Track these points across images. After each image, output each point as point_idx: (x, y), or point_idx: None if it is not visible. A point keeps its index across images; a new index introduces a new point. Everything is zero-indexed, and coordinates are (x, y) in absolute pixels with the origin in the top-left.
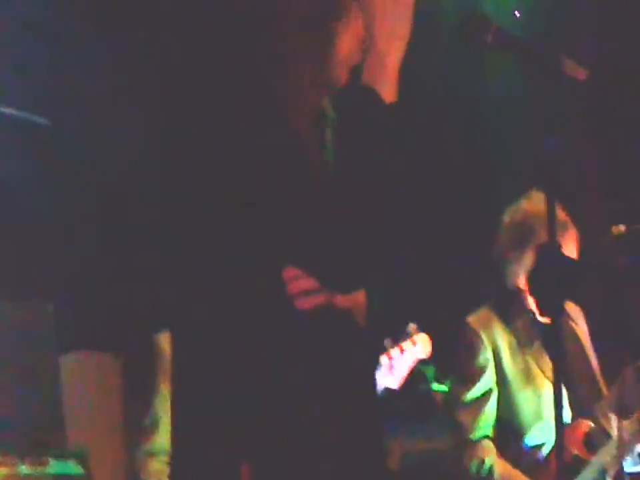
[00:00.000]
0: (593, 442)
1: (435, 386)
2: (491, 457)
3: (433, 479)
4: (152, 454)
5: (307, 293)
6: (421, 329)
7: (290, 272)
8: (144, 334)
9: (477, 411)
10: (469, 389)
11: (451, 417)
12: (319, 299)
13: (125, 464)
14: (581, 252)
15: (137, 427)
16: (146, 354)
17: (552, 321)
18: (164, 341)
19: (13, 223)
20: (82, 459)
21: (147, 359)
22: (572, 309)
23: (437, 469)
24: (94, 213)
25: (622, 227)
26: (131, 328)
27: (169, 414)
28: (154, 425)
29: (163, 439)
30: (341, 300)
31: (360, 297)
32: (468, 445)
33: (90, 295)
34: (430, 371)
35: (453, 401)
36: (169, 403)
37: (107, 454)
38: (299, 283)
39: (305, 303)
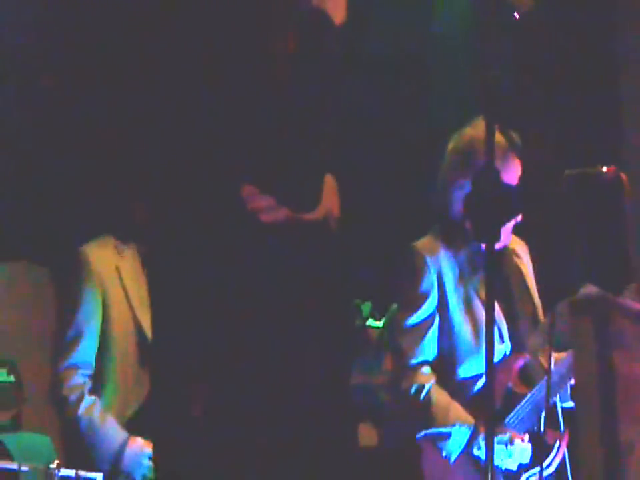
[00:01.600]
0: (529, 376)
1: (371, 322)
2: (430, 383)
3: (366, 413)
4: (73, 367)
5: (267, 209)
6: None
7: (247, 189)
8: (72, 246)
9: (418, 336)
10: (411, 313)
11: (393, 341)
12: (280, 214)
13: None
14: (522, 182)
15: (61, 340)
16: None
17: (487, 246)
18: (88, 252)
19: None
20: (12, 368)
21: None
22: (517, 244)
23: (371, 403)
24: (22, 122)
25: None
26: (60, 240)
27: (90, 327)
28: (76, 338)
29: (85, 351)
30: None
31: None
32: (408, 370)
33: (17, 204)
34: (366, 307)
35: (395, 325)
36: (90, 318)
37: (35, 366)
38: (258, 200)
39: (267, 217)
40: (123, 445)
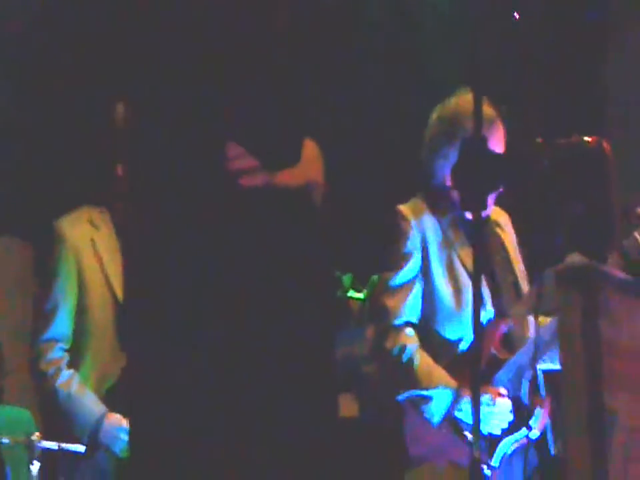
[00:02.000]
0: (511, 342)
1: (352, 294)
2: (412, 344)
3: (347, 384)
4: (51, 340)
5: (247, 171)
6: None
7: (233, 149)
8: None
9: (402, 296)
10: (396, 273)
11: (377, 301)
12: (259, 179)
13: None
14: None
15: (39, 314)
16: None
17: (474, 215)
18: (63, 226)
19: None
20: None
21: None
22: (498, 214)
23: (353, 374)
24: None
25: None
26: (38, 216)
27: (67, 300)
28: (53, 311)
29: (62, 325)
30: (283, 179)
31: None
32: (391, 330)
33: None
34: (347, 279)
35: (379, 285)
36: (67, 292)
37: (16, 340)
38: (240, 161)
39: (245, 181)
40: (101, 419)
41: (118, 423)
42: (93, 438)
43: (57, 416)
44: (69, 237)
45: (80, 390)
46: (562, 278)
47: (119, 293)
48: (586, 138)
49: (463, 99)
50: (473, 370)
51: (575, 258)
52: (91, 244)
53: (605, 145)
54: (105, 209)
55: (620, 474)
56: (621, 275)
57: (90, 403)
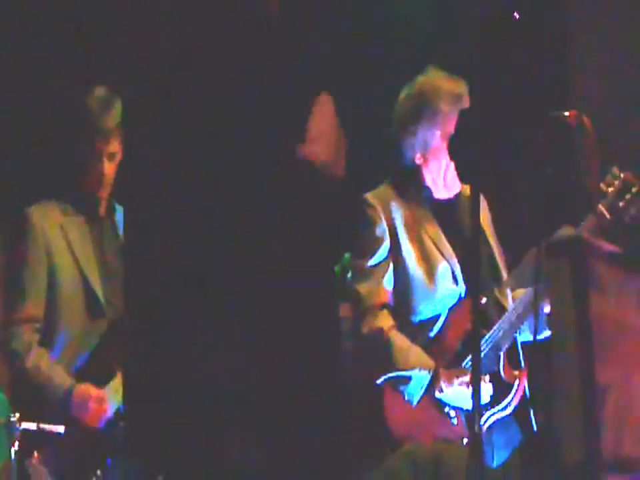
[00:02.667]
0: (487, 317)
1: None
2: (388, 326)
3: None
4: (20, 322)
5: None
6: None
7: None
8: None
9: (375, 280)
10: (367, 259)
11: (351, 287)
12: None
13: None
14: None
15: (9, 296)
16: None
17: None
18: (32, 213)
19: None
20: None
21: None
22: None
23: None
24: None
25: None
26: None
27: (37, 282)
28: (21, 294)
29: (32, 306)
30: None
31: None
32: (366, 314)
33: None
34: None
35: (352, 271)
36: (37, 272)
37: None
38: None
39: None
40: (70, 390)
41: (87, 393)
42: (64, 410)
43: (28, 395)
44: (38, 222)
45: (49, 366)
46: (553, 250)
47: (90, 275)
48: (565, 112)
49: (430, 76)
50: (474, 356)
51: (565, 231)
52: (59, 229)
53: (584, 118)
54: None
55: (612, 447)
56: (610, 247)
57: (59, 377)
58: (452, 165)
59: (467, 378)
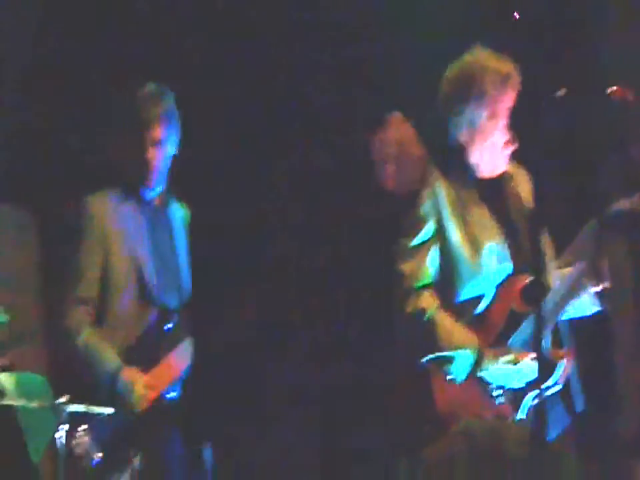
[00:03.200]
0: (531, 296)
1: None
2: (432, 306)
3: None
4: (75, 302)
5: None
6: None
7: None
8: (61, 191)
9: (419, 259)
10: (411, 238)
11: (396, 267)
12: None
13: (42, 313)
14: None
15: (60, 278)
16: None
17: None
18: (90, 199)
19: None
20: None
21: (64, 215)
22: (516, 170)
23: None
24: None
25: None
26: (49, 184)
27: (92, 264)
28: (77, 276)
29: (87, 288)
30: None
31: None
32: (410, 294)
33: (11, 148)
34: None
35: (397, 251)
36: (93, 257)
37: (23, 305)
38: None
39: None
40: (117, 370)
41: (134, 375)
42: (110, 390)
43: (71, 376)
44: (95, 209)
45: (99, 345)
46: (609, 223)
47: (140, 261)
48: (610, 89)
49: (476, 55)
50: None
51: (621, 204)
52: (115, 216)
53: (627, 92)
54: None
55: None
56: None
57: (108, 357)
58: (500, 146)
59: (511, 357)
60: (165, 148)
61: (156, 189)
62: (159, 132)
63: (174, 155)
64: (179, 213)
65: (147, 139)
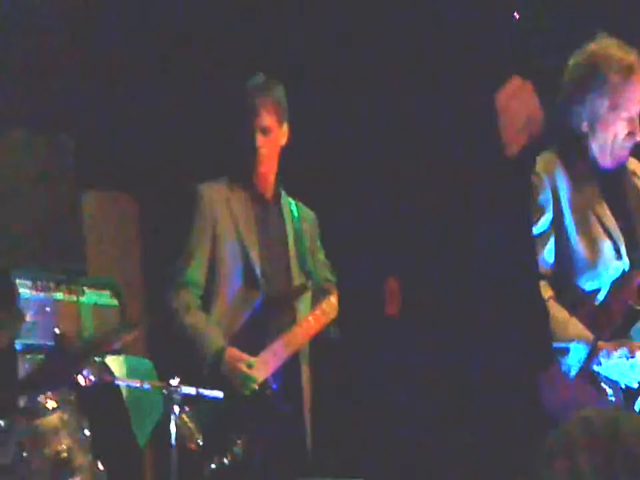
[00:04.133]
0: None
1: None
2: (547, 296)
3: None
4: (183, 285)
5: None
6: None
7: None
8: (168, 179)
9: (538, 248)
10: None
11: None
12: None
13: (145, 296)
14: None
15: (163, 261)
16: (168, 197)
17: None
18: (201, 187)
19: (35, 52)
20: (115, 291)
21: (170, 202)
22: (636, 165)
23: None
24: (118, 47)
25: None
26: (154, 172)
27: (201, 250)
28: (187, 260)
29: (195, 272)
30: None
31: None
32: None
33: (112, 135)
34: None
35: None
36: (202, 242)
37: (126, 287)
38: None
39: None
40: (222, 351)
41: (238, 355)
42: (214, 369)
43: (176, 357)
44: (206, 196)
45: (206, 326)
46: None
47: (248, 247)
48: None
49: (602, 44)
50: None
51: None
52: (225, 203)
53: None
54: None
55: None
56: None
57: (214, 337)
58: (621, 138)
59: (626, 349)
60: (272, 136)
61: (266, 179)
62: (266, 119)
63: (284, 147)
64: (289, 206)
65: (255, 125)
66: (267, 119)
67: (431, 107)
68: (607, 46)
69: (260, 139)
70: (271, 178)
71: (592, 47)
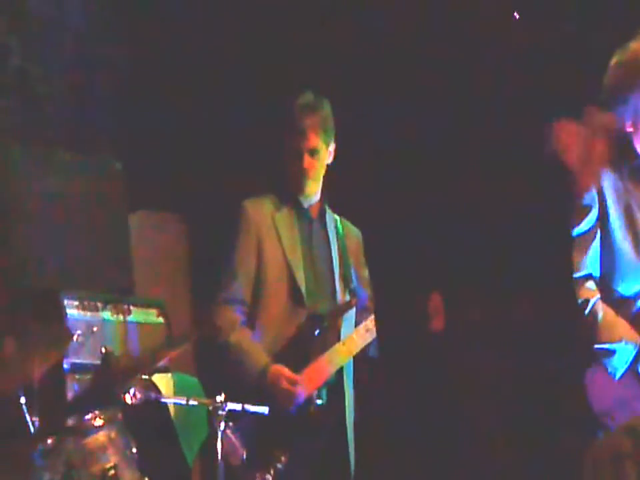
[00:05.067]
0: None
1: None
2: (595, 297)
3: None
4: (228, 302)
5: None
6: None
7: None
8: (214, 198)
9: (582, 248)
10: (574, 227)
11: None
12: None
13: (192, 315)
14: None
15: (211, 279)
16: (214, 215)
17: None
18: (248, 205)
19: (84, 74)
20: (161, 309)
21: (216, 220)
22: None
23: None
24: (166, 69)
25: None
26: (201, 191)
27: (246, 268)
28: (232, 277)
29: (240, 289)
30: None
31: None
32: (573, 283)
33: (158, 155)
34: None
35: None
36: (247, 259)
37: (173, 306)
38: None
39: None
40: (266, 369)
41: (281, 372)
42: (258, 386)
43: (221, 374)
44: (252, 214)
45: (250, 344)
46: None
47: (294, 266)
48: None
49: None
50: None
51: None
52: (271, 221)
53: None
54: (288, 194)
55: None
56: None
57: (258, 355)
58: None
59: None
60: (320, 157)
61: (311, 197)
62: (314, 141)
63: (330, 164)
64: (334, 223)
65: (303, 147)
66: (315, 140)
67: (472, 118)
68: None
69: (307, 160)
70: (317, 195)
71: (634, 45)
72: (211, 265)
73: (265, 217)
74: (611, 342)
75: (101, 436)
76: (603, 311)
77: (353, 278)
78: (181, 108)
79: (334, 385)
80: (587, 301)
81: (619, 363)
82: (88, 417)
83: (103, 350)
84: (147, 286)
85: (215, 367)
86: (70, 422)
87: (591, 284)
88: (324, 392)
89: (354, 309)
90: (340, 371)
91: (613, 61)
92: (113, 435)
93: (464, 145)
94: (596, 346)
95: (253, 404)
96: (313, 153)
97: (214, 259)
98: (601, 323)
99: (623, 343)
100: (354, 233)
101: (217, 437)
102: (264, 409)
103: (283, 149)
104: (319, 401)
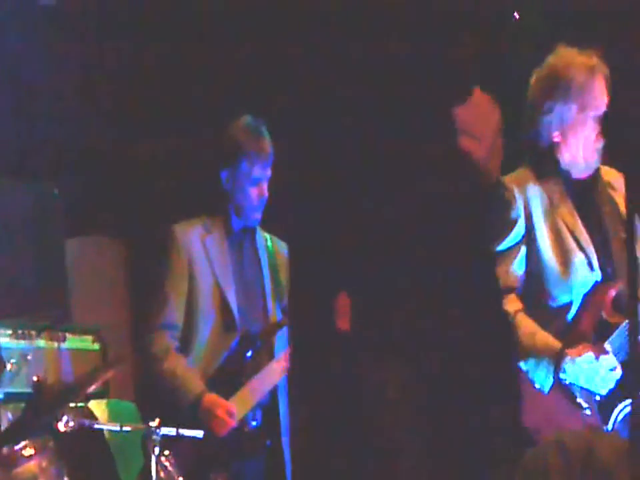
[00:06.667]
0: (622, 305)
1: None
2: (515, 309)
3: None
4: (160, 328)
5: None
6: None
7: None
8: (153, 222)
9: (506, 263)
10: (499, 241)
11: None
12: None
13: (131, 340)
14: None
15: (146, 305)
16: (153, 240)
17: None
18: (177, 229)
19: (19, 102)
20: (97, 335)
21: (155, 245)
22: (612, 176)
23: None
24: (102, 95)
25: None
26: (141, 216)
27: (177, 293)
28: (163, 302)
29: (172, 314)
30: None
31: None
32: (499, 296)
33: (96, 180)
34: None
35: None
36: (178, 284)
37: (113, 331)
38: None
39: None
40: (200, 397)
41: (215, 401)
42: (192, 415)
43: (158, 399)
44: (181, 238)
45: (184, 371)
46: None
47: (224, 288)
48: None
49: (561, 53)
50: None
51: None
52: (202, 245)
53: None
54: (219, 216)
55: None
56: None
57: (192, 382)
58: (592, 140)
59: (590, 353)
60: (263, 183)
61: (252, 221)
62: (257, 170)
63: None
64: (264, 242)
65: (248, 174)
66: (257, 169)
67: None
68: (566, 54)
69: (251, 189)
70: (256, 218)
71: (552, 58)
72: (148, 290)
73: (195, 240)
74: (532, 353)
75: (32, 466)
76: (524, 321)
77: (284, 295)
78: (121, 133)
79: (268, 405)
80: (507, 313)
81: (543, 375)
82: (18, 446)
83: (34, 379)
84: (86, 311)
85: (152, 393)
86: (1, 452)
87: (512, 297)
88: (259, 413)
89: (286, 327)
90: (274, 390)
91: (533, 78)
92: (44, 464)
93: (372, 150)
94: (520, 363)
95: (189, 428)
96: (257, 180)
97: (151, 283)
98: (521, 332)
99: (544, 354)
100: (282, 248)
101: (152, 463)
102: (199, 433)
103: (223, 172)
104: (253, 423)
